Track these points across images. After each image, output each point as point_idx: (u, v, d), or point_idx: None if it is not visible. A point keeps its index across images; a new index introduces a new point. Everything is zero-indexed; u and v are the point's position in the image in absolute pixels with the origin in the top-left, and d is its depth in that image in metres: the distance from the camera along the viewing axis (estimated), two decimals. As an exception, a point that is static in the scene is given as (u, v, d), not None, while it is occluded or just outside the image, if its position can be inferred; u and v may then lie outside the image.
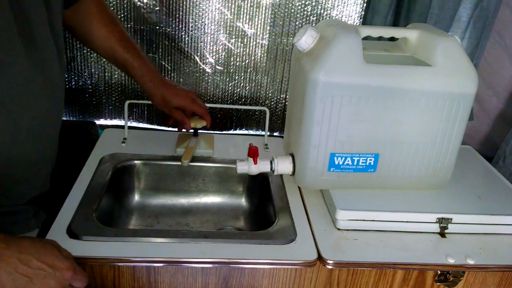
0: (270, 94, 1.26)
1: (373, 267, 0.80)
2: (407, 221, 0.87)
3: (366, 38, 0.86)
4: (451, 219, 0.87)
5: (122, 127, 1.14)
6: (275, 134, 1.30)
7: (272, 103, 1.27)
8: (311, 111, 0.83)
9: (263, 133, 1.26)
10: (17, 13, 0.63)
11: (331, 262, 0.79)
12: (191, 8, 1.13)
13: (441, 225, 0.87)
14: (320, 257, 0.79)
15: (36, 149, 0.73)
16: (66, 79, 1.20)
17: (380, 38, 0.90)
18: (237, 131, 1.29)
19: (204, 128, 1.03)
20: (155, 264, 0.76)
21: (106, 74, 1.20)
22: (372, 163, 0.88)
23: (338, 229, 0.86)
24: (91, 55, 1.17)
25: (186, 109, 0.99)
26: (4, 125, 0.66)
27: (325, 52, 0.80)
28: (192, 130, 1.08)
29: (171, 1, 1.12)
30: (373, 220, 0.86)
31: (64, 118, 1.24)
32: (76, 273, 0.62)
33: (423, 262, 0.81)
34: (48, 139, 0.76)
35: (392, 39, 0.94)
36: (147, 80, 0.94)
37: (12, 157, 0.69)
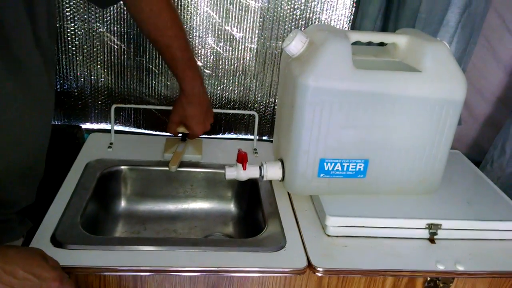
0: (259, 98, 1.25)
1: (363, 275, 0.80)
2: (397, 227, 0.86)
3: (355, 43, 0.85)
4: (441, 225, 0.87)
5: (108, 131, 1.12)
6: (264, 138, 1.29)
7: (261, 107, 1.26)
8: (300, 116, 0.82)
9: (252, 137, 1.25)
10: None
11: (321, 269, 0.78)
12: (179, 11, 1.11)
13: (431, 231, 0.87)
14: (310, 265, 0.79)
15: (22, 163, 0.71)
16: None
17: (369, 43, 0.89)
18: (226, 135, 1.28)
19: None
20: (142, 273, 0.75)
21: (92, 77, 1.18)
22: (362, 169, 0.88)
23: (328, 235, 0.85)
24: (77, 58, 1.15)
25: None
26: None
27: (314, 57, 0.80)
28: (180, 135, 1.07)
29: (158, 4, 1.10)
30: (363, 226, 0.85)
31: (49, 122, 1.22)
32: (63, 283, 0.60)
33: (413, 269, 0.81)
34: (34, 152, 0.74)
35: (381, 44, 0.94)
36: (189, 98, 0.97)
37: None
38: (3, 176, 0.69)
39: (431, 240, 0.87)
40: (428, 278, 0.82)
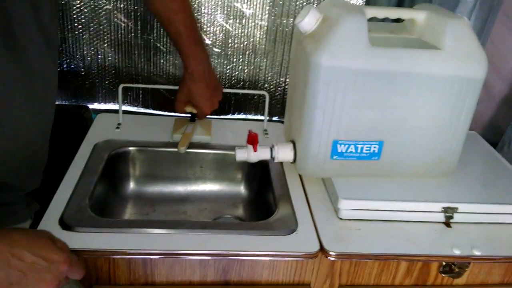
0: (269, 78, 1.22)
1: (376, 259, 0.78)
2: (412, 211, 0.84)
3: (370, 20, 0.82)
4: (457, 208, 0.84)
5: (116, 111, 1.10)
6: (274, 118, 1.26)
7: (271, 87, 1.23)
8: (313, 96, 0.79)
9: (262, 117, 1.22)
10: None
11: (333, 253, 0.76)
12: (187, -13, 1.08)
13: (447, 214, 0.84)
14: (322, 249, 0.77)
15: (21, 151, 0.69)
16: (58, 62, 1.15)
17: (384, 19, 0.86)
18: (235, 116, 1.26)
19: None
20: (152, 256, 0.73)
21: (99, 56, 1.15)
22: (376, 151, 0.85)
23: (341, 219, 0.83)
24: (83, 37, 1.12)
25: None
26: None
27: (328, 34, 0.76)
28: (189, 115, 1.05)
29: (166, -20, 1.07)
30: (376, 210, 0.83)
31: (56, 102, 1.19)
32: (72, 265, 0.59)
33: (427, 253, 0.79)
34: (34, 140, 0.72)
35: (398, 20, 0.90)
36: (194, 75, 0.94)
37: None
38: (8, 161, 0.67)
39: (447, 224, 0.85)
40: (444, 263, 0.80)
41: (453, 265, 0.81)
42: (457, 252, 0.79)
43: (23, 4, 0.62)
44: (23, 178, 0.72)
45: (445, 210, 0.84)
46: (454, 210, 0.84)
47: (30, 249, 0.56)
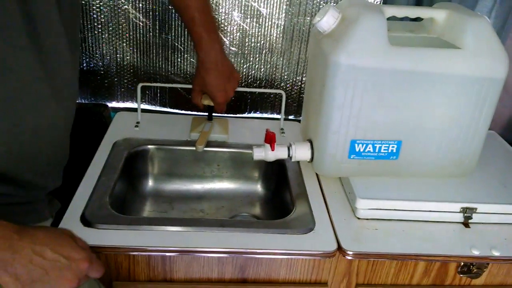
0: (285, 76, 1.22)
1: (394, 259, 0.78)
2: (430, 211, 0.84)
3: (389, 19, 0.81)
4: (476, 208, 0.84)
5: (134, 109, 1.12)
6: (291, 117, 1.26)
7: (287, 86, 1.23)
8: (331, 95, 0.79)
9: (278, 116, 1.23)
10: (24, 11, 0.59)
11: (351, 253, 0.76)
12: (205, -14, 1.08)
13: (465, 215, 0.84)
14: (339, 248, 0.77)
15: (43, 149, 0.70)
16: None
17: (403, 18, 0.85)
18: (252, 114, 1.26)
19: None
20: (171, 254, 0.74)
21: (118, 55, 1.17)
22: (394, 150, 0.85)
23: (358, 218, 0.83)
24: (102, 36, 1.14)
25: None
26: (6, 124, 0.63)
27: (347, 33, 0.76)
28: (206, 114, 1.05)
29: (184, -21, 1.07)
30: (394, 209, 0.83)
31: (76, 101, 1.22)
32: (92, 264, 0.60)
33: (446, 254, 0.78)
34: (56, 138, 0.73)
35: (417, 19, 0.89)
36: (206, 64, 0.93)
37: (14, 155, 0.66)
38: (31, 158, 0.69)
39: (466, 224, 0.85)
40: (462, 263, 0.80)
41: (471, 266, 0.80)
42: (475, 252, 0.78)
43: (49, 5, 0.63)
44: (46, 176, 0.74)
45: (464, 210, 0.84)
46: (473, 210, 0.84)
47: (52, 247, 0.57)
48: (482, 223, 0.85)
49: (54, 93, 0.68)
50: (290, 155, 0.89)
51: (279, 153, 0.88)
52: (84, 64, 1.17)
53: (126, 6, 1.10)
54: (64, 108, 0.72)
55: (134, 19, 1.12)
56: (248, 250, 0.75)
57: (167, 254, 0.75)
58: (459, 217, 0.84)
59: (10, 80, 0.60)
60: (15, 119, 0.64)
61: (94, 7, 1.10)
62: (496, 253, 0.79)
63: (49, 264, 0.56)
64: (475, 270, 0.81)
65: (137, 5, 1.10)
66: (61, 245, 0.57)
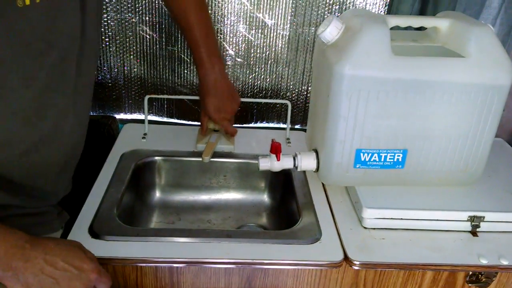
0: (291, 86, 1.23)
1: (401, 268, 0.77)
2: (437, 220, 0.83)
3: (393, 28, 0.82)
4: (484, 217, 0.83)
5: (142, 121, 1.13)
6: (297, 126, 1.27)
7: (293, 95, 1.24)
8: (336, 105, 0.80)
9: (284, 125, 1.23)
10: (50, 27, 0.61)
11: (357, 262, 0.76)
12: (210, -1, 1.10)
13: (473, 223, 0.83)
14: (346, 258, 0.77)
15: (58, 157, 0.72)
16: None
17: (407, 28, 0.85)
18: (258, 124, 1.27)
19: None
20: (178, 265, 0.75)
21: (125, 67, 1.18)
22: (400, 159, 0.85)
23: (365, 228, 0.83)
24: (110, 49, 1.16)
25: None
26: (25, 135, 0.65)
27: (351, 44, 0.77)
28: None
29: (189, -8, 1.09)
30: (401, 219, 0.83)
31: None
32: (101, 275, 0.61)
33: (454, 263, 0.78)
34: (70, 147, 0.75)
35: (421, 28, 0.90)
36: (205, 85, 0.95)
37: (32, 163, 0.68)
38: (45, 168, 0.70)
39: (473, 233, 0.84)
40: (470, 272, 0.79)
41: (480, 275, 0.80)
42: (484, 261, 0.78)
43: (74, 21, 0.65)
44: (57, 183, 0.75)
45: (472, 219, 0.83)
46: (480, 219, 0.83)
47: (63, 257, 0.58)
48: (490, 231, 0.84)
49: (71, 104, 0.69)
50: (296, 165, 0.89)
51: (285, 163, 0.89)
52: (92, 77, 1.19)
53: (133, 20, 1.12)
54: (79, 117, 0.74)
55: (141, 32, 1.14)
56: (255, 261, 0.76)
57: (174, 265, 0.75)
58: (467, 226, 0.84)
59: (31, 88, 0.62)
60: (34, 129, 0.65)
61: (102, 21, 1.11)
62: (505, 262, 0.78)
63: (59, 274, 0.58)
64: (483, 279, 0.80)
65: (143, 18, 1.12)
66: (72, 256, 0.59)
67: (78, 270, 0.59)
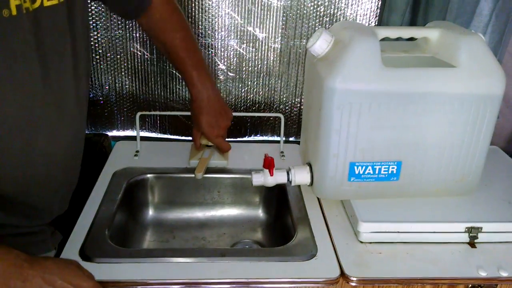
0: (284, 99, 1.22)
1: (399, 283, 0.76)
2: (434, 232, 0.82)
3: (383, 39, 0.81)
4: (481, 228, 0.82)
5: (135, 138, 1.12)
6: (291, 139, 1.26)
7: (286, 108, 1.23)
8: (328, 119, 0.79)
9: (278, 138, 1.22)
10: (39, 39, 0.62)
11: (354, 279, 0.75)
12: (200, 14, 1.10)
13: (471, 234, 0.82)
14: (343, 274, 0.76)
15: (54, 174, 0.71)
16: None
17: (398, 39, 0.85)
18: (252, 137, 1.26)
19: None
20: (172, 286, 0.73)
21: (117, 84, 1.18)
22: (394, 171, 0.84)
23: (361, 242, 0.82)
24: (101, 66, 1.15)
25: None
26: (18, 147, 0.65)
27: (341, 57, 0.76)
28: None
29: (179, 8, 1.09)
30: (398, 232, 0.82)
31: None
32: None
33: (452, 276, 0.77)
34: (66, 164, 0.74)
35: (411, 38, 0.89)
36: (198, 103, 0.95)
37: (27, 178, 0.68)
38: (41, 185, 0.70)
39: (471, 244, 0.83)
40: (470, 285, 0.78)
41: (480, 287, 0.78)
42: (483, 273, 0.77)
43: (62, 39, 0.66)
44: (53, 201, 0.75)
45: (469, 230, 0.82)
46: (478, 230, 0.82)
47: (61, 276, 0.59)
48: (489, 242, 0.83)
49: (62, 117, 0.69)
50: (290, 179, 0.88)
51: (278, 178, 0.88)
52: (84, 95, 1.18)
53: (123, 37, 1.11)
54: (73, 133, 0.73)
55: (131, 49, 1.13)
56: (251, 280, 0.74)
57: (168, 286, 0.73)
58: (465, 237, 0.83)
59: (19, 94, 0.62)
60: (27, 140, 0.65)
61: (92, 38, 1.11)
62: (504, 274, 0.77)
63: None
64: (483, 292, 0.79)
65: (134, 34, 1.12)
66: (70, 275, 0.60)
67: None
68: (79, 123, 0.76)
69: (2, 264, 0.56)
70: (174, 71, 1.16)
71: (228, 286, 0.74)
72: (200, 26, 1.11)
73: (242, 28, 1.12)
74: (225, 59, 1.15)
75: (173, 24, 0.90)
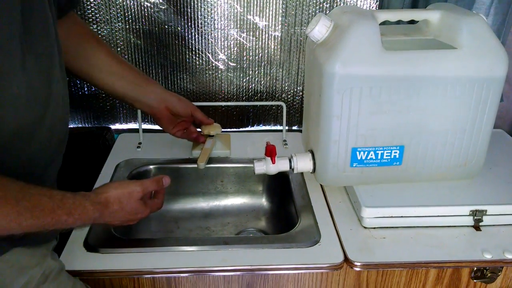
0: (286, 87, 1.21)
1: (404, 267, 0.76)
2: (438, 216, 0.82)
3: (383, 23, 0.81)
4: (486, 210, 0.81)
5: (137, 130, 1.12)
6: (294, 128, 1.25)
7: (289, 97, 1.22)
8: (329, 105, 0.78)
9: (281, 127, 1.22)
10: (26, 26, 0.60)
11: (358, 264, 0.75)
12: (199, 4, 1.09)
13: (475, 217, 0.82)
14: (346, 259, 0.75)
15: (45, 155, 0.71)
16: (79, 86, 1.18)
17: (398, 22, 0.84)
18: (255, 127, 1.26)
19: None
20: (175, 275, 0.74)
21: (118, 77, 1.17)
22: (397, 156, 0.83)
23: (365, 227, 0.82)
24: (102, 60, 1.15)
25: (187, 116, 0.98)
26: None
27: (340, 41, 0.75)
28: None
29: (178, -1, 1.08)
30: (401, 217, 0.81)
31: (80, 125, 1.23)
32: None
33: (457, 259, 0.76)
34: (55, 145, 0.73)
35: (412, 22, 0.88)
36: (158, 96, 0.93)
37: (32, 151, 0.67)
38: (28, 167, 0.69)
39: (476, 227, 0.82)
40: (475, 268, 0.78)
41: (485, 270, 0.78)
42: (488, 256, 0.76)
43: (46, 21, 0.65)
44: (43, 183, 0.74)
45: (474, 213, 0.81)
46: (482, 212, 0.81)
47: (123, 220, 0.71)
48: (493, 225, 0.83)
49: (50, 99, 0.68)
50: (292, 167, 0.88)
51: (281, 165, 0.88)
52: (86, 89, 1.19)
53: (123, 29, 1.11)
54: (61, 113, 0.72)
55: (132, 41, 1.13)
56: (254, 267, 0.74)
57: (172, 275, 0.74)
58: (469, 221, 0.82)
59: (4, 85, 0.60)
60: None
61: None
62: (510, 256, 0.76)
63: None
64: (489, 275, 0.78)
65: (134, 26, 1.11)
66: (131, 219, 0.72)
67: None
68: (64, 106, 0.75)
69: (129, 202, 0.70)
70: (175, 62, 1.15)
71: (232, 273, 0.74)
72: (199, 16, 1.10)
73: (242, 17, 1.12)
74: (226, 49, 1.15)
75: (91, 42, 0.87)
